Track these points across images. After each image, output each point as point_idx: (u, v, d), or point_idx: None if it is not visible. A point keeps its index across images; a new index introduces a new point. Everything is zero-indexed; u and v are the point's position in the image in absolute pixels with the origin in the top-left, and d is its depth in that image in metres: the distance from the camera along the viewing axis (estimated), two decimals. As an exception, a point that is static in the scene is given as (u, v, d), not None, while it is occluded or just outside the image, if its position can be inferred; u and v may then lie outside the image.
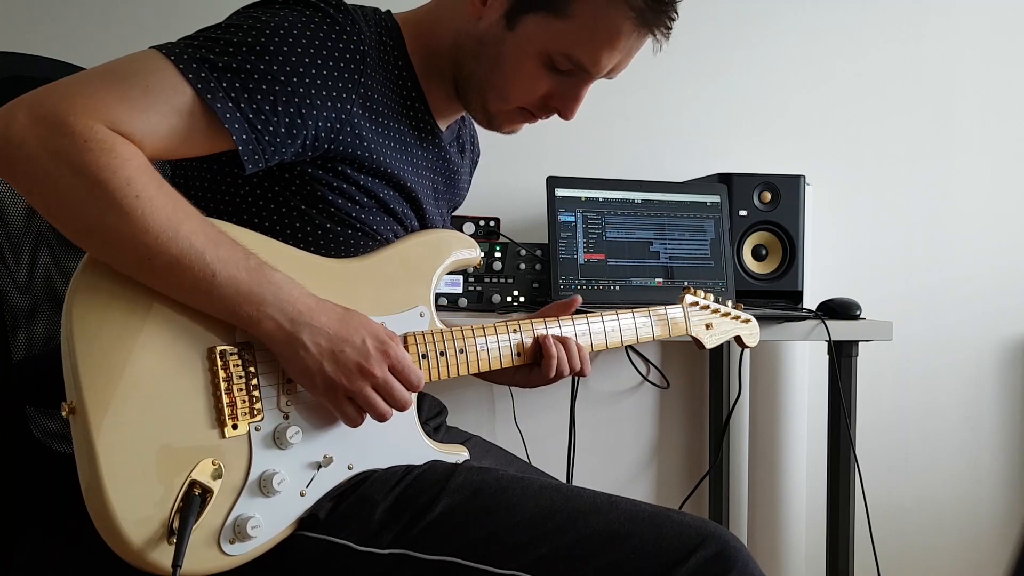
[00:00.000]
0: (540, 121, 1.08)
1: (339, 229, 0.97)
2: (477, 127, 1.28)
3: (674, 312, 1.22)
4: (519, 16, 0.98)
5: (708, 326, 1.25)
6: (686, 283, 1.66)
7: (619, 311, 1.16)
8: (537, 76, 1.00)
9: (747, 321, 1.31)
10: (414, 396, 0.95)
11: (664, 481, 2.13)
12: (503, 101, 1.03)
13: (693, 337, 1.24)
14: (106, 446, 0.77)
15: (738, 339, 1.30)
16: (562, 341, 1.07)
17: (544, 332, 1.07)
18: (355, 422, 0.89)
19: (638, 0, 0.94)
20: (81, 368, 0.78)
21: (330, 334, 0.85)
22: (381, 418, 0.89)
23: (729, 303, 1.30)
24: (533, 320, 1.09)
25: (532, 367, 1.08)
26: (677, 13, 0.99)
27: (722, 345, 1.30)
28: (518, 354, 1.06)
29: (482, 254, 1.65)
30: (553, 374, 1.06)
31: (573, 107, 1.04)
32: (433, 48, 1.04)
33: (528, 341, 1.07)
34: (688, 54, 2.10)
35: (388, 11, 1.04)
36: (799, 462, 1.97)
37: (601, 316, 1.14)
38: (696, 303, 1.25)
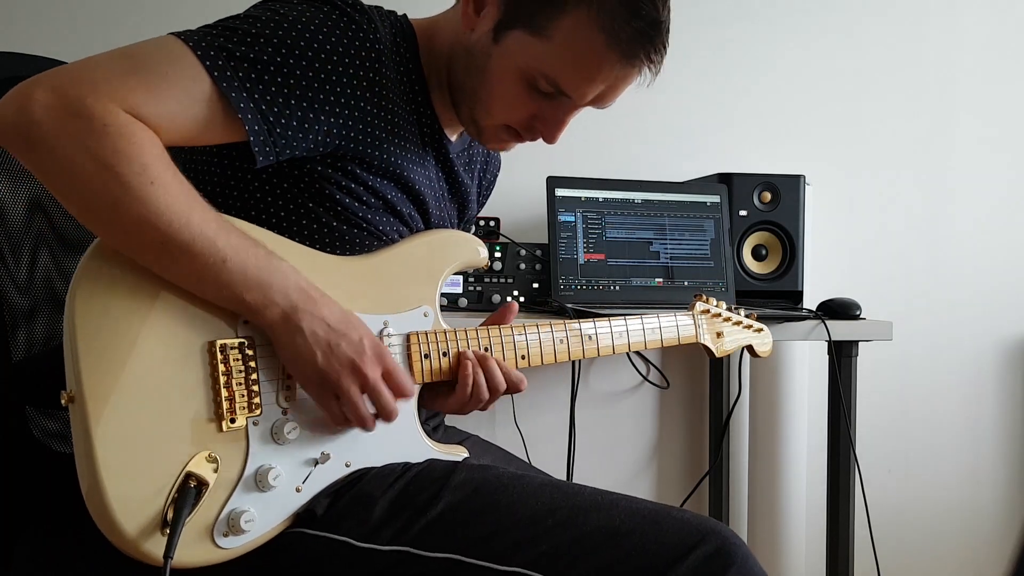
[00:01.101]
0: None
1: (345, 228, 0.97)
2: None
3: (684, 319, 1.20)
4: (505, 31, 0.96)
5: (719, 334, 1.23)
6: (686, 283, 1.66)
7: (627, 316, 1.15)
8: (518, 95, 0.98)
9: (760, 330, 1.28)
10: (407, 404, 0.95)
11: (664, 481, 2.13)
12: (488, 116, 1.01)
13: (703, 345, 1.22)
14: (103, 435, 0.78)
15: (750, 348, 1.28)
16: (480, 360, 0.99)
17: (466, 349, 1.00)
18: (338, 420, 0.88)
19: (620, 30, 0.91)
20: (82, 357, 0.78)
21: (329, 326, 0.86)
22: (363, 424, 0.88)
23: (742, 311, 1.28)
24: (539, 325, 1.07)
25: (450, 390, 1.00)
26: (665, 47, 0.95)
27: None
28: (522, 357, 1.05)
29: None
30: (468, 393, 0.98)
31: (555, 133, 1.00)
32: (436, 56, 1.03)
33: (532, 351, 1.05)
34: (688, 54, 2.10)
35: (404, 15, 1.04)
36: (799, 462, 1.97)
37: (609, 322, 1.12)
38: (707, 311, 1.23)
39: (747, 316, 1.28)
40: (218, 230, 0.82)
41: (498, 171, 1.31)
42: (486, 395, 0.99)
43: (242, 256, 0.82)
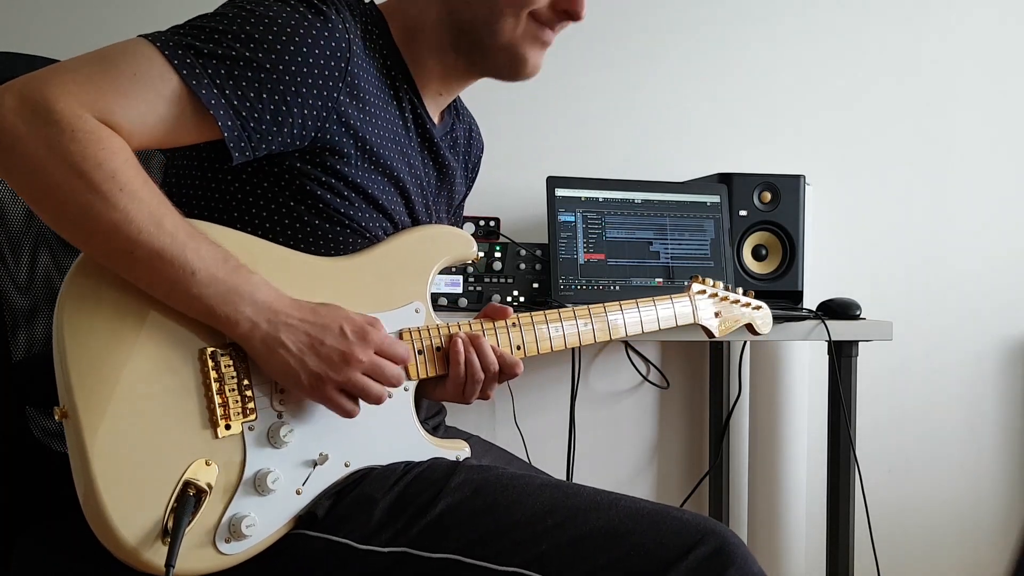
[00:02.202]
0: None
1: (328, 226, 0.97)
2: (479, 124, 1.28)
3: (681, 300, 1.20)
4: None
5: (717, 314, 1.23)
6: (686, 283, 1.65)
7: (623, 303, 1.14)
8: None
9: (758, 308, 1.28)
10: (405, 401, 0.95)
11: (664, 481, 2.13)
12: (515, 18, 0.99)
13: (702, 326, 1.22)
14: (99, 449, 0.78)
15: (750, 327, 1.27)
16: (471, 339, 1.00)
17: (458, 332, 1.01)
18: (350, 412, 0.89)
19: None
20: (72, 372, 0.78)
21: (308, 330, 0.86)
22: (378, 400, 0.89)
23: (740, 290, 1.27)
24: (533, 315, 1.07)
25: (443, 377, 1.00)
26: None
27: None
28: (517, 347, 1.05)
29: (481, 253, 1.64)
30: (461, 373, 0.99)
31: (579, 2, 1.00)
32: (418, 26, 1.03)
33: (528, 339, 1.05)
34: (688, 54, 2.11)
35: (371, 1, 1.04)
36: (799, 462, 1.97)
37: (604, 308, 1.12)
38: (704, 291, 1.22)
39: (744, 295, 1.27)
40: (188, 240, 0.81)
41: (481, 152, 1.30)
42: (480, 375, 0.99)
43: (212, 269, 0.82)
